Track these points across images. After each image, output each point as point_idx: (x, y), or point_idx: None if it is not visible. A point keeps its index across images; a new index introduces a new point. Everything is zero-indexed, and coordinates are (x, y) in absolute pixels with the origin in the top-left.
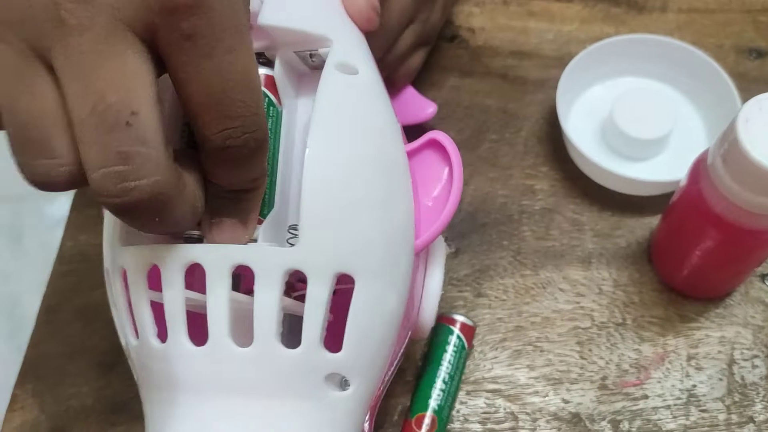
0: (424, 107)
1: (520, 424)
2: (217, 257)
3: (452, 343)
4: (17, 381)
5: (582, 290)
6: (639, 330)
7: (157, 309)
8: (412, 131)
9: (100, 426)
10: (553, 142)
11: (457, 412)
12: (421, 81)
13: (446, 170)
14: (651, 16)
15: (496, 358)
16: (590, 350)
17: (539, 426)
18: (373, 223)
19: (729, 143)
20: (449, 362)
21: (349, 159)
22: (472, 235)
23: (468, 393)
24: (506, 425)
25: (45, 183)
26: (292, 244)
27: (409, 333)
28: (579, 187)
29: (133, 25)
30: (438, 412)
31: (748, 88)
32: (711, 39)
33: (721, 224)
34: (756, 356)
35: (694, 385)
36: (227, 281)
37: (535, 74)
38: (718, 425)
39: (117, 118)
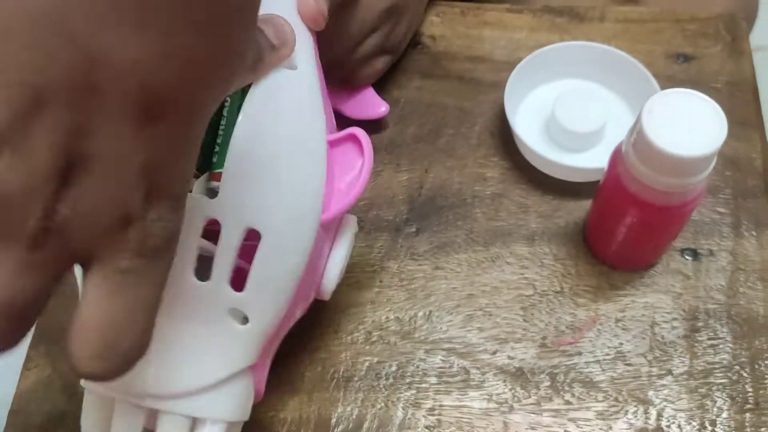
0: (377, 106)
1: (471, 377)
2: None
3: None
4: (31, 344)
5: (526, 263)
6: (575, 297)
7: None
8: (369, 126)
9: None
10: (503, 136)
11: (417, 367)
12: (387, 82)
13: (360, 162)
14: (591, 25)
15: (451, 321)
16: (532, 314)
17: (487, 378)
18: (281, 192)
19: (637, 132)
20: None
21: (270, 137)
22: (431, 217)
23: (426, 351)
24: (459, 378)
25: None
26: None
27: (313, 293)
28: (525, 175)
29: None
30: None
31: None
32: (643, 45)
33: (636, 203)
34: (675, 319)
35: (621, 344)
36: None
37: (489, 77)
38: (640, 377)
39: None
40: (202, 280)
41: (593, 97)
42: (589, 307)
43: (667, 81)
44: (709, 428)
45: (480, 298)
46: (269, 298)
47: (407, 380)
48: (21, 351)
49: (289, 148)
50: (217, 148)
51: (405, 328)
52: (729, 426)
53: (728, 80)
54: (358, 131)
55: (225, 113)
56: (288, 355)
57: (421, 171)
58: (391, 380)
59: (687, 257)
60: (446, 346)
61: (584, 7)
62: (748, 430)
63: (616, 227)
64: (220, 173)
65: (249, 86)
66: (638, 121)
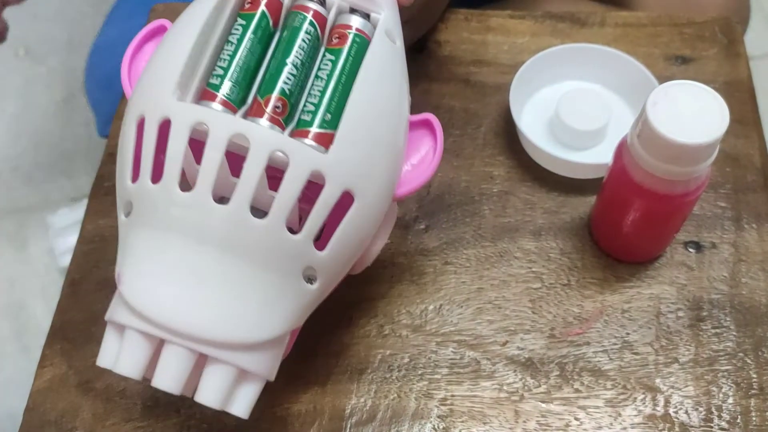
0: None
1: (482, 367)
2: (263, 138)
3: (304, 29)
4: (46, 343)
5: (533, 257)
6: (581, 289)
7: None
8: None
9: (122, 377)
10: (508, 136)
11: (428, 359)
12: None
13: (429, 147)
14: (591, 30)
15: (461, 314)
16: (540, 306)
17: (498, 369)
18: (381, 162)
19: (642, 123)
20: (300, 47)
21: (380, 107)
22: (440, 214)
23: (437, 344)
24: (470, 369)
25: None
26: None
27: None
28: (530, 173)
29: None
30: (288, 96)
31: None
32: (643, 48)
33: (641, 192)
34: (680, 309)
35: (628, 333)
36: (264, 164)
37: (493, 79)
38: (648, 365)
39: None
40: (292, 233)
41: (595, 97)
42: (595, 299)
43: (665, 81)
44: (716, 413)
45: (489, 291)
46: (340, 263)
47: (419, 371)
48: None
49: (390, 120)
50: (310, 107)
51: (416, 321)
52: (735, 411)
53: (726, 80)
54: (432, 118)
55: (321, 75)
56: (302, 348)
57: None
58: (403, 372)
59: (690, 250)
60: (457, 338)
61: (585, 13)
62: (754, 414)
63: (622, 219)
64: (309, 131)
65: (348, 55)
66: (643, 112)
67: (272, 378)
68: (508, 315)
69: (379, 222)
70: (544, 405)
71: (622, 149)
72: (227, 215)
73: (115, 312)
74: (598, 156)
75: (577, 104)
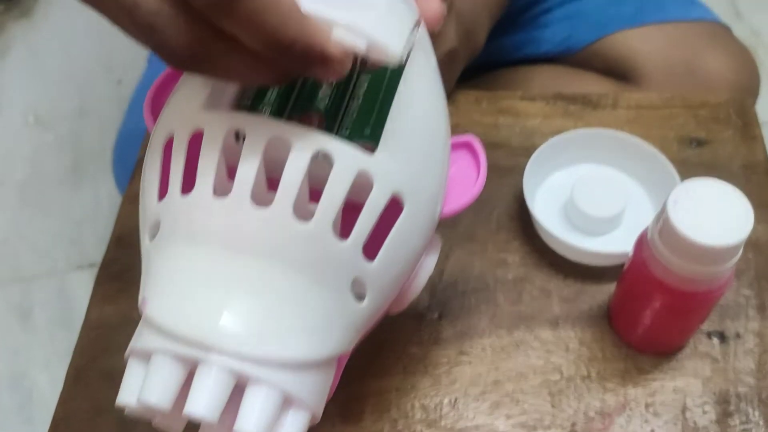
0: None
1: None
2: (306, 139)
3: None
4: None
5: (551, 348)
6: (602, 381)
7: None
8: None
9: None
10: (522, 220)
11: None
12: None
13: (471, 168)
14: (604, 112)
15: (477, 408)
16: (560, 400)
17: None
18: (428, 166)
19: (663, 221)
20: None
21: (425, 109)
22: (453, 302)
23: None
24: None
25: None
26: None
27: (398, 298)
28: (546, 259)
29: None
30: (324, 112)
31: (690, 172)
32: (657, 131)
33: (662, 288)
34: (706, 403)
35: (653, 429)
36: (306, 166)
37: (505, 162)
38: None
39: None
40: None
41: (611, 182)
42: (617, 392)
43: (682, 165)
44: None
45: (506, 383)
46: (390, 277)
47: None
48: None
49: (436, 122)
50: (347, 124)
51: (431, 416)
52: None
53: (743, 163)
54: (473, 139)
55: (357, 93)
56: None
57: (442, 256)
58: None
59: (714, 340)
60: None
61: (596, 94)
62: None
63: (642, 312)
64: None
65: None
66: (664, 210)
67: (318, 416)
68: (527, 409)
69: (428, 236)
70: None
71: (642, 243)
72: (268, 219)
73: (138, 340)
74: (615, 242)
75: (592, 189)
